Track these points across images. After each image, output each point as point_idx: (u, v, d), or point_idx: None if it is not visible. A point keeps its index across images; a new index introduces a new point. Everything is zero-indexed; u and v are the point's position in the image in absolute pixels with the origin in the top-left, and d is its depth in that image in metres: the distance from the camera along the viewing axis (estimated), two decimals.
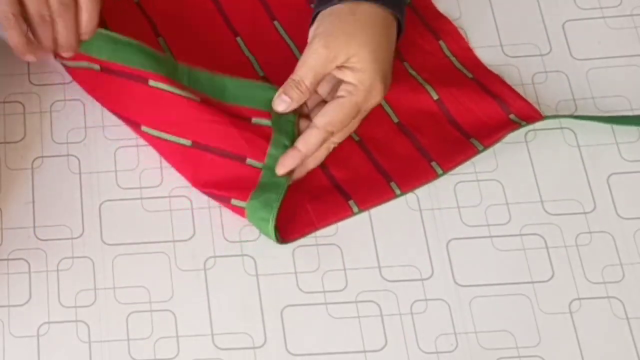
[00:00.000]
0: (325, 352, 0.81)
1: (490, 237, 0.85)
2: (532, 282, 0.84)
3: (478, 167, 0.88)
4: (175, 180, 0.88)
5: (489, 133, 0.88)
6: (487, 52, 0.94)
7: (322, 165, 0.88)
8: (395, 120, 0.90)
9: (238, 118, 0.87)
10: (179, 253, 0.85)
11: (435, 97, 0.90)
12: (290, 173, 0.86)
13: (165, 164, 0.88)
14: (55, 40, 0.84)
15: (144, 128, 0.87)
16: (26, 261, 0.85)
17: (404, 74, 0.91)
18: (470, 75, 0.92)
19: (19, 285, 0.84)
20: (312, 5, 0.89)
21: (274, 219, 0.83)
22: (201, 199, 0.87)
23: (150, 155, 0.89)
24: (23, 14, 0.83)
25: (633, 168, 0.88)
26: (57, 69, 0.91)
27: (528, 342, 0.81)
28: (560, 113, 0.90)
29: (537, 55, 0.94)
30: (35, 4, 0.82)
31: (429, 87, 0.91)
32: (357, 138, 0.89)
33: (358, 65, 0.84)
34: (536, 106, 0.90)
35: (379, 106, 0.89)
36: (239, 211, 0.85)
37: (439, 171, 0.87)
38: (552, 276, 0.84)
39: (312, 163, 0.88)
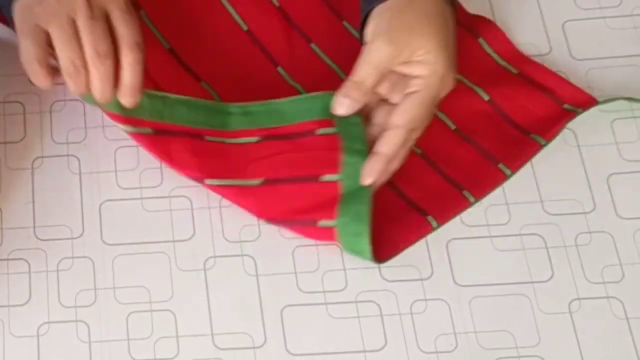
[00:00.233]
0: (325, 352, 0.81)
1: (490, 237, 0.85)
2: (532, 282, 0.84)
3: None
4: (175, 181, 0.88)
5: (548, 126, 0.87)
6: None
7: (392, 186, 0.85)
8: (453, 127, 0.88)
9: (301, 138, 0.85)
10: (179, 253, 0.85)
11: (487, 98, 0.89)
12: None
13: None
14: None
15: (207, 181, 0.85)
16: (26, 261, 0.85)
17: None
18: (515, 71, 0.91)
19: (19, 285, 0.84)
20: (362, 5, 0.87)
21: (369, 232, 0.81)
22: (201, 199, 0.87)
23: (150, 155, 0.88)
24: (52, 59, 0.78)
25: (633, 168, 0.88)
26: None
27: (528, 342, 0.81)
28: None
29: (537, 55, 0.93)
30: (66, 49, 0.78)
31: (478, 89, 0.89)
32: (419, 151, 0.87)
33: (426, 58, 0.82)
34: None
35: (435, 115, 0.87)
36: (327, 235, 0.83)
37: (508, 172, 0.86)
38: (552, 276, 0.84)
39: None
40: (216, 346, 0.82)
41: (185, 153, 0.85)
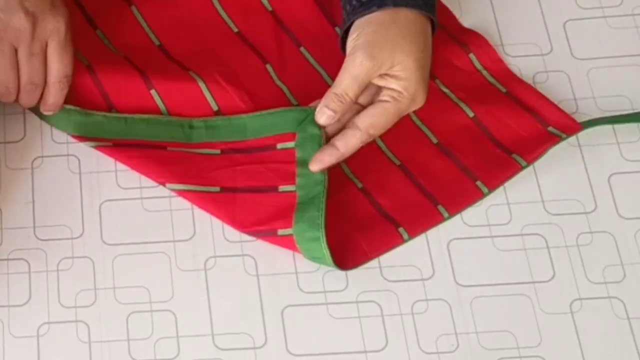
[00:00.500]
0: (326, 352, 0.81)
1: (491, 237, 0.85)
2: (533, 282, 0.83)
3: None
4: None
5: (530, 148, 0.87)
6: None
7: (367, 194, 0.86)
8: (435, 141, 0.88)
9: (261, 152, 0.87)
10: (179, 253, 0.85)
11: (471, 114, 0.89)
12: (325, 180, 0.85)
13: None
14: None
15: (168, 185, 0.86)
16: (26, 261, 0.85)
17: (436, 92, 0.90)
18: (503, 90, 0.91)
19: (19, 285, 0.84)
20: (344, 15, 0.88)
21: (324, 235, 0.81)
22: None
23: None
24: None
25: (634, 168, 0.88)
26: None
27: (529, 342, 0.81)
28: (593, 117, 0.89)
29: (538, 54, 0.93)
30: (2, 74, 0.84)
31: (463, 105, 0.90)
32: (398, 162, 0.88)
33: (403, 74, 0.84)
34: None
35: (417, 128, 0.88)
36: (288, 243, 0.83)
37: (485, 190, 0.86)
38: (553, 276, 0.84)
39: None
40: (217, 346, 0.82)
41: (145, 159, 0.87)
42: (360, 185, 0.87)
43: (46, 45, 0.84)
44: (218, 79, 0.90)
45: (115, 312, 0.83)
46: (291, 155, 0.87)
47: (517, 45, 0.94)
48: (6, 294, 0.83)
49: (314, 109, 0.87)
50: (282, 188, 0.85)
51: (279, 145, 0.87)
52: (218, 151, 0.88)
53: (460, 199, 0.86)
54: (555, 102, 0.90)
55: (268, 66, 0.92)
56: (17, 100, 0.87)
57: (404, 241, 0.85)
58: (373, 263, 0.84)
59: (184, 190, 0.86)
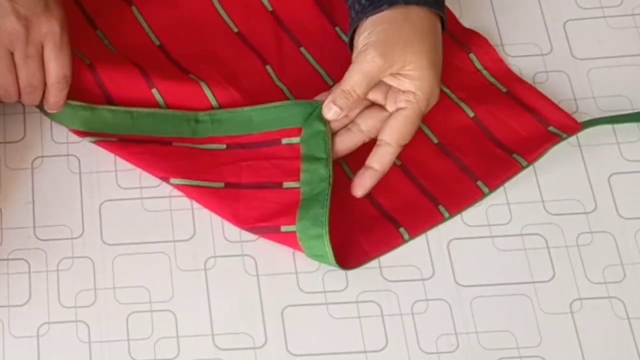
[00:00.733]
0: (326, 352, 0.81)
1: (491, 237, 0.85)
2: (533, 282, 0.83)
3: None
4: None
5: (531, 148, 0.87)
6: None
7: (368, 194, 0.86)
8: (435, 141, 0.88)
9: (266, 147, 0.87)
10: (179, 253, 0.85)
11: (472, 114, 0.89)
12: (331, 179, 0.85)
13: None
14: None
15: (172, 180, 0.86)
16: (26, 261, 0.85)
17: None
18: (504, 90, 0.91)
19: (19, 285, 0.84)
20: (353, 14, 0.88)
21: (328, 233, 0.81)
22: None
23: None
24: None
25: (634, 168, 0.88)
26: None
27: (529, 342, 0.81)
28: (593, 117, 0.89)
29: (538, 54, 0.93)
30: (1, 78, 0.84)
31: (463, 105, 0.89)
32: (398, 163, 0.87)
33: (415, 73, 0.84)
34: None
35: (418, 128, 0.88)
36: (289, 240, 0.83)
37: (485, 190, 0.86)
38: (553, 276, 0.84)
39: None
40: (217, 346, 0.82)
41: (150, 155, 0.87)
42: None
43: (42, 48, 0.84)
44: (219, 80, 0.90)
45: (115, 312, 0.83)
46: (296, 150, 0.86)
47: (517, 45, 0.94)
48: (6, 294, 0.83)
49: (321, 103, 0.87)
50: (286, 184, 0.85)
51: (284, 141, 0.87)
52: (224, 146, 0.88)
53: (461, 199, 0.86)
54: (556, 102, 0.90)
55: (268, 67, 0.92)
56: (19, 100, 0.87)
57: (404, 241, 0.85)
58: (373, 263, 0.84)
59: (188, 186, 0.86)
